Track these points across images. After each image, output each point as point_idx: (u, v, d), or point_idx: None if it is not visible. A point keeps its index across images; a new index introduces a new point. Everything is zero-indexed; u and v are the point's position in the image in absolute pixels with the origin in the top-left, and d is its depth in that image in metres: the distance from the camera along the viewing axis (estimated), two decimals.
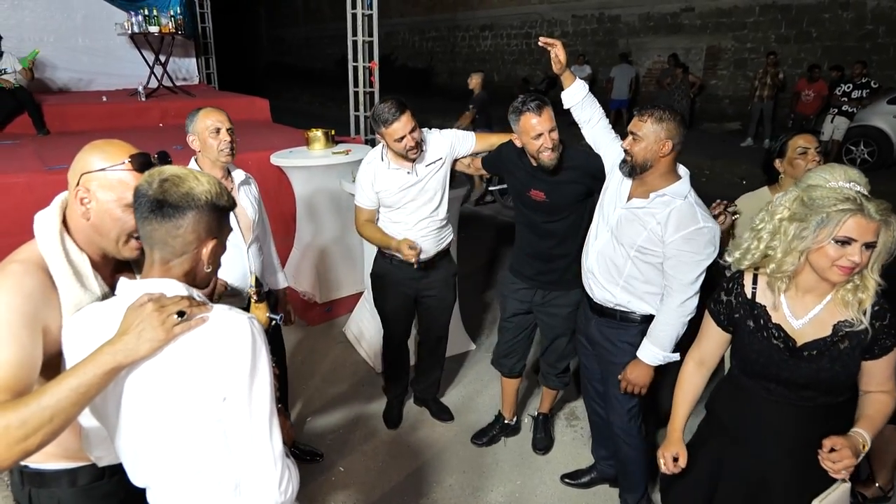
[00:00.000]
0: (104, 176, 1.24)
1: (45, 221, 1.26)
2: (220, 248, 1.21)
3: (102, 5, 7.71)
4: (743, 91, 11.46)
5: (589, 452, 2.93)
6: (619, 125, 12.08)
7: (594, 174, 2.43)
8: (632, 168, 2.11)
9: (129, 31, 7.31)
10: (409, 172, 2.66)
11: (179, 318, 1.04)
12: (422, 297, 2.95)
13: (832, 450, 1.47)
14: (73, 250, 1.25)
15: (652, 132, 2.02)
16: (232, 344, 1.08)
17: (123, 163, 1.25)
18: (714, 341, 1.79)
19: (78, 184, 1.24)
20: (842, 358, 1.53)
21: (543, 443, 3.06)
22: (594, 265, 2.32)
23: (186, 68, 8.84)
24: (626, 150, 2.11)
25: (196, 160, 2.43)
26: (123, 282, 1.16)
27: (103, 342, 1.05)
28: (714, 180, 8.48)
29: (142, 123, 6.65)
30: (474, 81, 7.59)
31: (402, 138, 2.50)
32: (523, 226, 2.68)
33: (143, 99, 7.10)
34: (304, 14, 23.78)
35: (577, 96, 2.50)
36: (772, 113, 10.36)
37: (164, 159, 1.33)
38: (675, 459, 1.82)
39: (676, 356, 2.17)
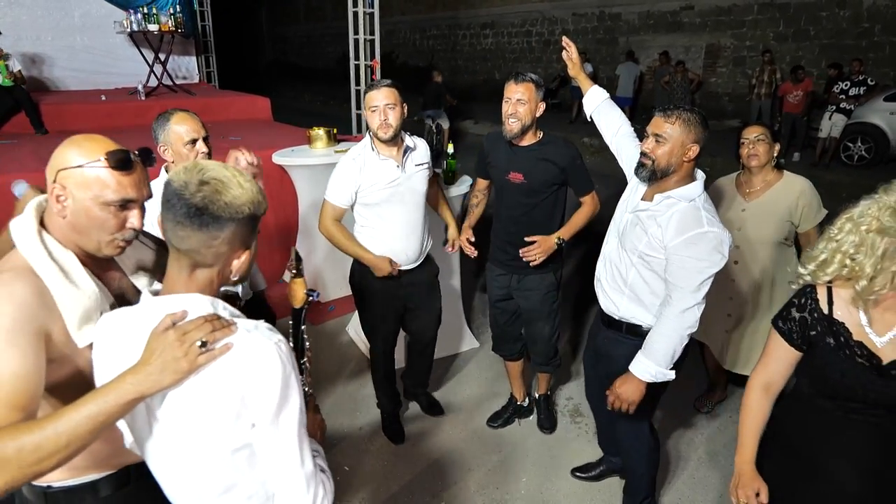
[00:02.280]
0: (81, 173, 1.17)
1: (21, 225, 1.20)
2: (252, 258, 1.14)
3: (101, 3, 7.66)
4: (742, 88, 11.49)
5: (594, 448, 2.95)
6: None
7: (566, 157, 2.56)
8: (651, 173, 1.96)
9: (129, 30, 7.26)
10: (398, 166, 2.62)
11: (203, 349, 0.99)
12: (409, 303, 2.91)
13: None
14: (55, 248, 1.19)
15: (679, 134, 1.90)
16: (261, 375, 1.03)
17: (100, 160, 1.17)
18: (784, 363, 1.62)
19: (55, 181, 1.17)
20: None
21: (548, 422, 3.17)
22: (602, 272, 2.27)
23: (186, 67, 8.79)
24: (646, 153, 1.97)
25: (166, 170, 2.24)
26: (147, 297, 1.11)
27: (125, 368, 1.02)
28: (715, 178, 8.46)
29: (141, 122, 6.58)
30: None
31: (376, 109, 2.49)
32: (502, 212, 2.75)
33: (143, 98, 7.06)
34: (305, 12, 23.75)
35: (595, 100, 2.52)
36: (770, 111, 10.37)
37: (147, 156, 1.25)
38: (757, 495, 1.66)
39: (672, 374, 2.03)
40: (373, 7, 6.20)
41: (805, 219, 2.69)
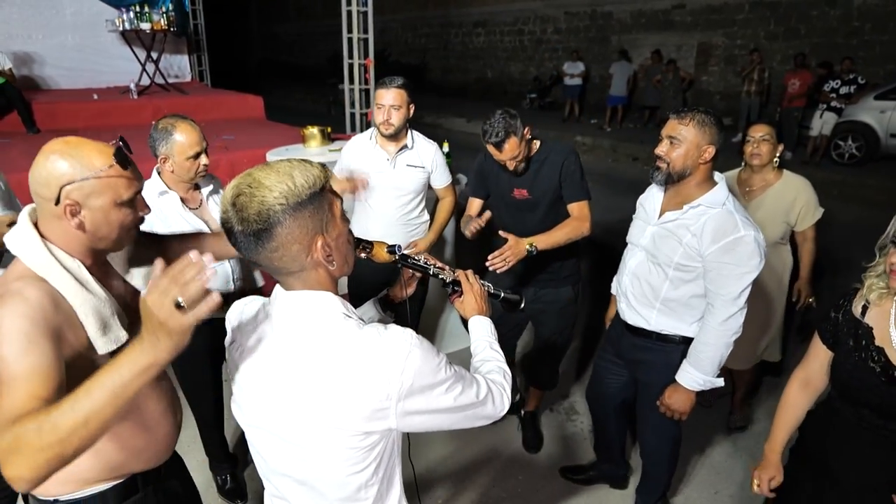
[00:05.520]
0: (91, 183, 1.15)
1: (23, 241, 1.18)
2: (338, 233, 1.07)
3: (92, 2, 7.62)
4: (733, 87, 11.56)
5: (588, 446, 2.98)
6: (615, 121, 12.16)
7: (560, 157, 2.46)
8: (667, 176, 1.95)
9: (121, 28, 7.24)
10: (388, 159, 2.76)
11: (182, 309, 0.89)
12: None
13: None
14: (63, 257, 1.19)
15: (693, 136, 1.88)
16: (403, 368, 1.01)
17: (110, 166, 1.17)
18: (820, 361, 1.66)
19: (59, 197, 1.15)
20: None
21: (534, 441, 3.07)
22: (628, 288, 2.20)
23: (178, 65, 8.77)
24: (660, 156, 1.95)
25: (159, 173, 2.21)
26: (278, 291, 1.10)
27: (261, 362, 1.05)
28: None
29: (134, 121, 6.58)
30: None
31: (382, 107, 2.64)
32: (510, 229, 2.55)
33: (135, 97, 7.04)
34: (296, 11, 23.67)
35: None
36: (759, 110, 10.45)
37: (127, 145, 1.25)
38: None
39: (720, 381, 2.03)
40: (366, 6, 6.20)
41: (802, 219, 2.73)
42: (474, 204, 2.78)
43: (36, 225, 1.21)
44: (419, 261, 1.45)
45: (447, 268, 1.46)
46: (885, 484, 1.53)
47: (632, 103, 12.67)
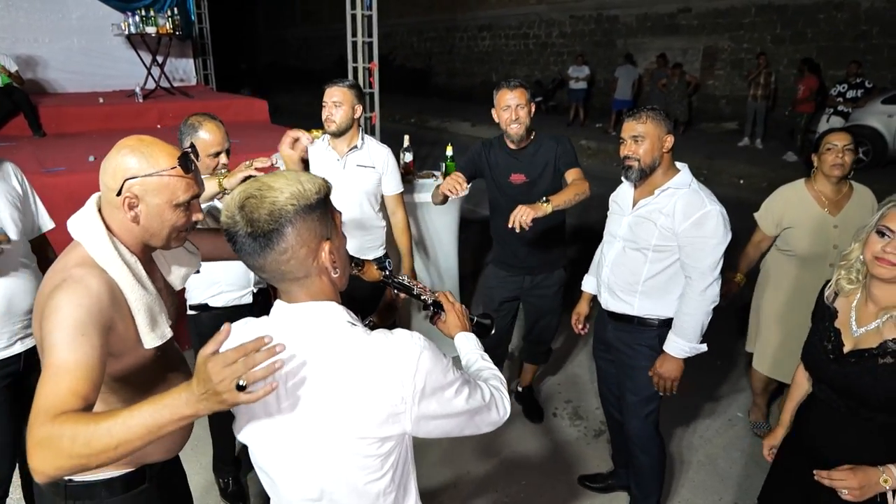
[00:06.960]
0: (152, 180, 1.22)
1: (90, 228, 1.24)
2: (340, 243, 1.11)
3: (98, 5, 7.65)
4: (739, 91, 11.51)
5: (593, 450, 2.97)
6: (620, 125, 12.15)
7: (556, 143, 2.67)
8: (641, 171, 2.11)
9: (126, 32, 7.26)
10: (338, 160, 2.80)
11: (242, 390, 0.92)
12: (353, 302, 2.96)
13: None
14: (123, 250, 1.25)
15: (653, 129, 2.07)
16: (414, 370, 1.03)
17: (173, 167, 1.23)
18: None
19: (121, 190, 1.21)
20: (876, 371, 1.49)
21: (534, 411, 3.26)
22: (610, 277, 2.31)
23: (184, 69, 8.78)
24: (629, 156, 2.11)
25: None
26: (279, 305, 1.10)
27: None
28: (712, 180, 8.49)
29: (139, 125, 6.58)
30: None
31: (325, 104, 2.71)
32: (506, 217, 2.66)
33: (141, 100, 7.05)
34: (302, 15, 23.78)
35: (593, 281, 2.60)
36: (764, 113, 10.41)
37: (196, 152, 1.31)
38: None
39: (704, 347, 2.16)
40: (371, 9, 6.21)
41: None
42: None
43: (100, 212, 1.27)
44: (404, 280, 1.48)
45: (427, 289, 1.47)
46: (842, 461, 1.55)
47: (637, 107, 12.62)
